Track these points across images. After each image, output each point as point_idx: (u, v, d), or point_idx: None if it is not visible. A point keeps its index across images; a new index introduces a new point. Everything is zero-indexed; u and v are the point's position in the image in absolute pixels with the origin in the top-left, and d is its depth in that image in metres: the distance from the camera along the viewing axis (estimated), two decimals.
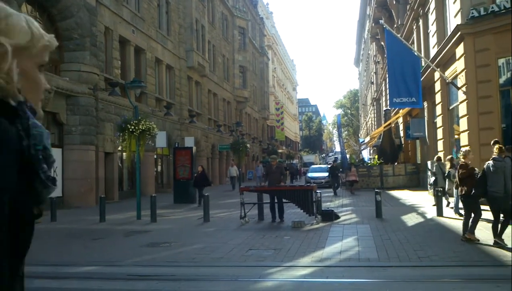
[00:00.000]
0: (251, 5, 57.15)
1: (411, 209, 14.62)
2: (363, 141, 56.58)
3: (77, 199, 18.50)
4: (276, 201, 12.73)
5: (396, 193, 21.50)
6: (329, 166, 28.52)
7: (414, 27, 23.30)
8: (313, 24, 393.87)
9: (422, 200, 17.13)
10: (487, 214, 11.80)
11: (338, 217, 12.69)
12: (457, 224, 10.75)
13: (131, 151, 14.74)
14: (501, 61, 14.16)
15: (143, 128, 14.16)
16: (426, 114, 22.42)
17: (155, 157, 26.94)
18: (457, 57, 15.38)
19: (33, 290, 6.69)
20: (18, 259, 1.18)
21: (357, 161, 36.70)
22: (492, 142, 12.21)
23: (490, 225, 10.21)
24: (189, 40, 32.21)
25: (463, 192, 8.72)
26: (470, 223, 8.62)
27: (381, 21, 19.55)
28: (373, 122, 53.25)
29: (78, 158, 18.87)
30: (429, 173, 18.71)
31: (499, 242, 7.98)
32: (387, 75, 21.67)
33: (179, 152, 21.14)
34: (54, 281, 7.08)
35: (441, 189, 13.95)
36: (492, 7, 13.88)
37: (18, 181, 1.10)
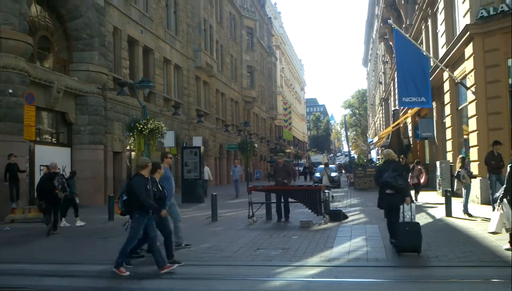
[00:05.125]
0: (259, 5, 57.16)
1: (420, 209, 14.55)
2: (372, 141, 56.39)
3: (86, 198, 18.58)
4: (282, 200, 12.73)
5: None
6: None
7: (423, 27, 23.17)
8: (321, 24, 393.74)
9: (431, 200, 17.03)
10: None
11: (346, 217, 12.66)
12: (466, 224, 10.71)
13: (140, 150, 14.80)
14: (511, 61, 14.05)
15: (152, 127, 14.21)
16: (435, 114, 22.29)
17: None
18: (466, 57, 15.29)
19: (42, 288, 6.75)
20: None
21: (365, 161, 36.53)
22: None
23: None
24: (197, 40, 32.30)
25: None
26: None
27: (390, 21, 19.45)
28: (381, 122, 53.02)
29: (87, 157, 18.99)
30: (438, 173, 18.65)
31: None
32: (395, 75, 21.60)
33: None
34: (63, 280, 7.14)
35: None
36: (502, 7, 13.77)
37: None
